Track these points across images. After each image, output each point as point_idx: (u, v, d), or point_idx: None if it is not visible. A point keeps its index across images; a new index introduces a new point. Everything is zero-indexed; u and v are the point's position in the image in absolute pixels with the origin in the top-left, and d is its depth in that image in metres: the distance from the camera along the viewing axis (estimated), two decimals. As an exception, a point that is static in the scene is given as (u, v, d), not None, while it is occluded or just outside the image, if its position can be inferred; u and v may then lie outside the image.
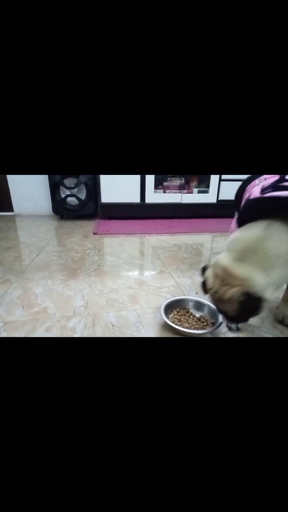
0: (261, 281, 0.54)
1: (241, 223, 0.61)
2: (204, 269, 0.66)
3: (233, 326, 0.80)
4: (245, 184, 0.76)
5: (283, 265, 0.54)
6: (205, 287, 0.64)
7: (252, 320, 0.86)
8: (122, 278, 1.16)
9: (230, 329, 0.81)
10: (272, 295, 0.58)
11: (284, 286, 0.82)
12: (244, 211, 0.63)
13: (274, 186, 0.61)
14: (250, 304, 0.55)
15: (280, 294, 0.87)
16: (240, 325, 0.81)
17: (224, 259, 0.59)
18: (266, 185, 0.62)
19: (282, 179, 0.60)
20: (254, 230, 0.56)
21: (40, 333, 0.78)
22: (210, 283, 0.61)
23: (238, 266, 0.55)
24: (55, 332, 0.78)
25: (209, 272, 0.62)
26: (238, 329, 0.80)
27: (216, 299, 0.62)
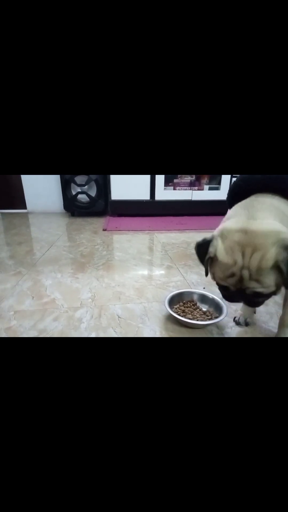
0: None
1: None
2: (200, 246, 0.52)
3: (241, 320, 0.79)
4: None
5: None
6: (211, 271, 0.52)
7: (260, 316, 0.84)
8: (129, 272, 1.16)
9: (237, 323, 0.79)
10: None
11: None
12: (237, 186, 0.61)
13: None
14: None
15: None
16: (248, 319, 0.80)
17: (234, 223, 0.48)
18: None
19: None
20: (259, 196, 0.54)
21: (48, 322, 0.80)
22: (226, 259, 0.46)
23: (257, 222, 0.45)
24: (63, 322, 0.80)
25: (218, 245, 0.48)
26: (246, 324, 0.79)
27: (244, 278, 0.46)
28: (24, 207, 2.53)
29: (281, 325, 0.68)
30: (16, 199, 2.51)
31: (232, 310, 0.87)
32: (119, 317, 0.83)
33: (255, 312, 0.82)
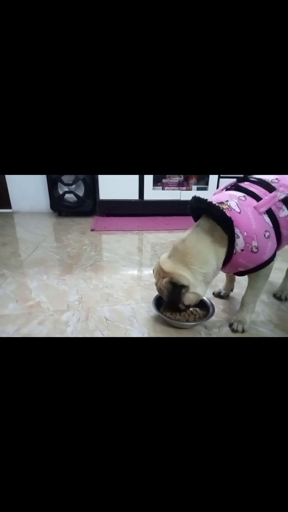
0: (184, 274, 0.67)
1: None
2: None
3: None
4: None
5: (201, 263, 0.67)
6: None
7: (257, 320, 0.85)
8: (118, 274, 1.15)
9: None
10: (202, 291, 0.70)
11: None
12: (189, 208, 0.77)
13: (235, 185, 0.74)
14: (174, 291, 0.69)
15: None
16: (222, 293, 0.95)
17: (162, 257, 0.74)
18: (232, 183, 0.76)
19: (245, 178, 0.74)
20: (185, 233, 0.72)
21: (32, 326, 0.77)
22: (154, 276, 0.76)
23: (166, 262, 0.71)
24: (48, 326, 0.78)
25: (154, 268, 0.77)
26: (220, 295, 0.94)
27: (157, 289, 0.76)
28: (9, 206, 2.45)
29: (241, 304, 0.79)
30: (0, 199, 2.42)
31: (220, 309, 0.88)
32: (106, 319, 0.82)
33: (232, 290, 0.96)
